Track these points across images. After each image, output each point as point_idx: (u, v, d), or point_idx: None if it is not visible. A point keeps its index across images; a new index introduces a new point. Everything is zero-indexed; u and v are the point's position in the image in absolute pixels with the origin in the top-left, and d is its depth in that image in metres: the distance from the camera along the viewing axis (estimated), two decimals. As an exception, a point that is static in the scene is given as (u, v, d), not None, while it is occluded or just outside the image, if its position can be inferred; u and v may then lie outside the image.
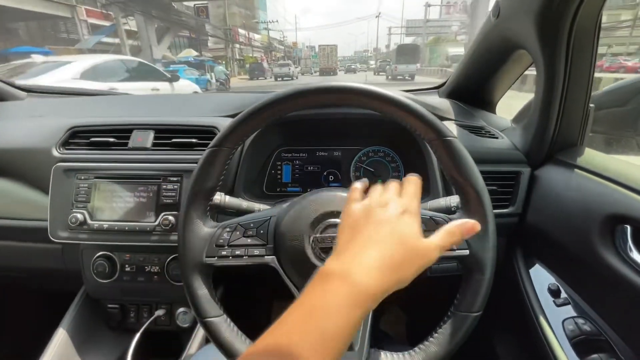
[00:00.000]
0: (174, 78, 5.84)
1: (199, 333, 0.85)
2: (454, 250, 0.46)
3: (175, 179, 0.77)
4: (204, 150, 0.52)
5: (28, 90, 1.20)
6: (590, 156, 0.67)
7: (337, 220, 0.50)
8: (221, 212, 0.76)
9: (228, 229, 0.52)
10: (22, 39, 17.42)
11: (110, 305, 0.90)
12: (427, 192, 0.78)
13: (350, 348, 0.46)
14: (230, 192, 0.81)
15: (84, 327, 0.89)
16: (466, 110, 0.98)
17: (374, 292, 0.35)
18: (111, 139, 0.82)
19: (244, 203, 0.62)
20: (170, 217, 0.75)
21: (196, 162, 0.52)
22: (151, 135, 0.82)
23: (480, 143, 0.81)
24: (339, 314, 0.33)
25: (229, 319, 0.50)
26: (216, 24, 30.80)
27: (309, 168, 0.96)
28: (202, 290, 0.50)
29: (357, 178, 0.95)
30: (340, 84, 0.49)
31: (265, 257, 0.51)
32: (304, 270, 0.49)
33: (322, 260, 0.49)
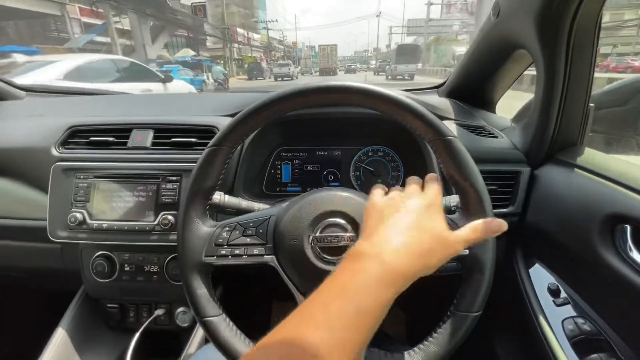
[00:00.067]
0: (167, 79, 5.60)
1: (199, 332, 0.85)
2: None
3: (174, 178, 0.77)
4: (204, 149, 0.52)
5: (27, 89, 1.20)
6: (590, 156, 0.67)
7: (337, 219, 0.50)
8: (221, 212, 0.76)
9: (227, 229, 0.52)
10: (11, 37, 17.03)
11: (109, 305, 0.90)
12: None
13: None
14: (230, 192, 0.81)
15: (84, 327, 0.88)
16: (466, 110, 0.98)
17: (404, 273, 0.35)
18: (110, 139, 0.82)
19: (243, 202, 0.61)
20: (170, 217, 0.75)
21: (196, 162, 0.52)
22: (150, 134, 0.82)
23: (480, 143, 0.81)
24: (370, 292, 0.33)
25: (228, 319, 0.50)
26: (214, 23, 30.40)
27: (308, 167, 0.96)
28: (201, 290, 0.50)
29: (357, 178, 0.95)
30: (339, 84, 0.49)
31: (265, 256, 0.51)
32: (304, 270, 0.49)
33: (322, 259, 0.48)
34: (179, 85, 6.32)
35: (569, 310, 0.62)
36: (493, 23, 0.79)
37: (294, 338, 0.31)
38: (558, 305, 0.64)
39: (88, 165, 0.79)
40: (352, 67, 49.67)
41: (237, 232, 0.52)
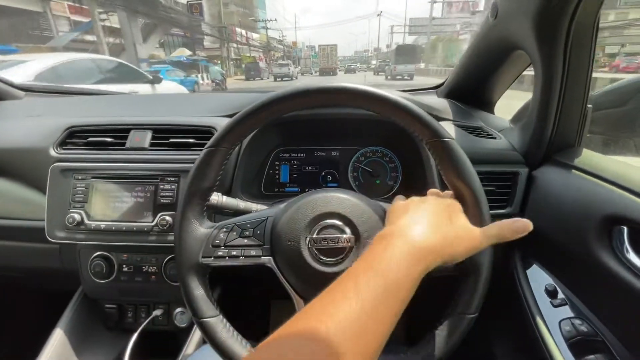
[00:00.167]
0: (155, 80, 5.21)
1: (197, 333, 0.85)
2: None
3: (172, 179, 0.77)
4: (202, 150, 0.52)
5: (26, 89, 1.20)
6: (588, 157, 0.67)
7: (334, 221, 0.50)
8: (218, 213, 0.76)
9: (225, 230, 0.52)
10: (-9, 36, 15.90)
11: (107, 305, 0.90)
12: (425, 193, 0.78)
13: None
14: (228, 192, 0.81)
15: (82, 327, 0.88)
16: (464, 111, 0.98)
17: (433, 249, 0.37)
18: (109, 139, 0.82)
19: (241, 203, 0.61)
20: (168, 218, 0.75)
21: (194, 162, 0.52)
22: (149, 135, 0.82)
23: (478, 143, 0.81)
24: (400, 266, 0.34)
25: (225, 320, 0.50)
26: (212, 22, 29.75)
27: (307, 168, 0.96)
28: (198, 291, 0.50)
29: (355, 178, 0.95)
30: (337, 85, 0.49)
31: (262, 257, 0.51)
32: (300, 271, 0.49)
33: (318, 261, 0.48)
34: (169, 87, 5.89)
35: (566, 311, 0.62)
36: (491, 24, 0.79)
37: (325, 311, 0.31)
38: (555, 307, 0.64)
39: (86, 165, 0.78)
40: (352, 67, 49.75)
41: (235, 233, 0.52)
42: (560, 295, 0.65)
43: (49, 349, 0.80)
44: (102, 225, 0.76)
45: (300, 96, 0.49)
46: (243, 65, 31.15)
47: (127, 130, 0.83)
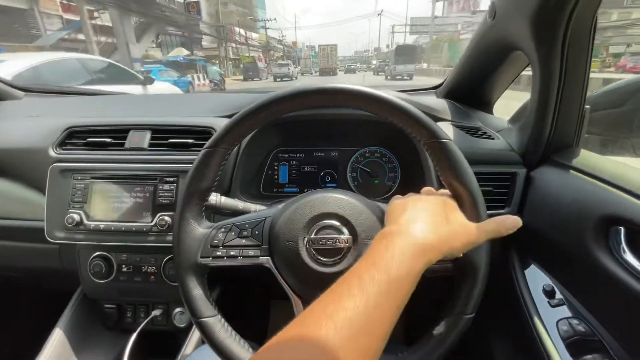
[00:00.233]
0: (147, 80, 5.00)
1: (196, 333, 0.85)
2: None
3: (171, 179, 0.77)
4: (201, 150, 0.52)
5: (26, 89, 1.20)
6: (586, 157, 0.68)
7: (332, 221, 0.50)
8: (217, 213, 0.76)
9: (223, 230, 0.52)
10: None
11: (107, 305, 0.90)
12: None
13: None
14: (227, 193, 0.81)
15: (81, 327, 0.89)
16: (463, 111, 0.98)
17: (434, 245, 0.38)
18: (108, 139, 0.82)
19: (239, 204, 0.62)
20: (167, 218, 0.75)
21: (193, 163, 0.52)
22: (148, 135, 0.82)
23: (476, 144, 0.81)
24: (401, 263, 0.35)
25: (223, 319, 0.50)
26: (211, 21, 29.10)
27: (305, 168, 0.96)
28: (196, 291, 0.50)
29: (354, 179, 0.95)
30: (335, 86, 0.49)
31: (260, 257, 0.51)
32: (298, 272, 0.49)
33: (316, 261, 0.49)
34: (162, 88, 5.64)
35: (563, 311, 0.63)
36: (489, 25, 0.79)
37: (326, 312, 0.32)
38: (553, 307, 0.64)
39: (85, 166, 0.79)
40: (352, 67, 49.77)
41: (233, 233, 0.52)
42: (558, 295, 0.65)
43: (49, 349, 0.81)
44: (102, 225, 0.76)
45: (298, 97, 0.49)
46: (241, 65, 30.60)
47: (126, 131, 0.83)
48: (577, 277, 0.62)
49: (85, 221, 0.76)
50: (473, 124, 0.91)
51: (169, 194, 0.76)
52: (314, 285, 0.48)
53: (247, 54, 39.05)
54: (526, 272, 0.73)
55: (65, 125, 0.84)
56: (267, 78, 27.33)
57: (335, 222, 0.50)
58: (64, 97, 1.27)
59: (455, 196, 0.48)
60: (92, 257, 0.83)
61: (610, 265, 0.53)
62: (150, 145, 0.82)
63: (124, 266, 0.84)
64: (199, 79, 15.56)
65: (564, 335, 0.59)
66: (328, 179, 0.95)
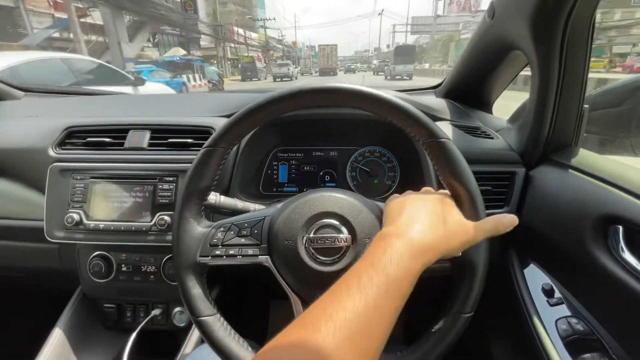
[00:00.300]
0: (137, 81, 4.81)
1: (195, 332, 0.85)
2: None
3: (171, 179, 0.77)
4: (200, 150, 0.52)
5: (26, 89, 1.20)
6: (584, 157, 0.68)
7: (331, 220, 0.50)
8: (216, 212, 0.76)
9: (222, 229, 0.52)
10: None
11: (106, 305, 0.91)
12: None
13: None
14: (226, 192, 0.81)
15: (81, 327, 0.89)
16: (462, 111, 0.98)
17: (431, 246, 0.38)
18: (107, 139, 0.82)
19: (239, 203, 0.62)
20: (166, 217, 0.75)
21: (192, 162, 0.52)
22: (147, 135, 0.82)
23: (475, 143, 0.81)
24: (400, 264, 0.36)
25: (222, 318, 0.50)
26: (209, 20, 28.50)
27: (305, 168, 0.96)
28: (195, 290, 0.50)
29: (353, 178, 0.95)
30: (334, 85, 0.49)
31: (259, 257, 0.51)
32: (297, 270, 0.49)
33: (315, 260, 0.49)
34: (154, 89, 5.46)
35: (562, 310, 0.63)
36: (488, 24, 0.79)
37: (326, 313, 0.32)
38: (552, 305, 0.64)
39: (85, 166, 0.79)
40: (352, 67, 49.82)
41: (232, 232, 0.52)
42: (557, 294, 0.65)
43: (48, 348, 0.81)
44: (101, 225, 0.76)
45: (297, 96, 0.50)
46: (240, 65, 29.96)
47: (126, 131, 0.83)
48: (576, 276, 0.63)
49: (85, 221, 0.76)
50: (472, 123, 0.91)
51: (169, 194, 0.77)
52: (313, 284, 0.48)
53: (246, 54, 38.65)
54: (525, 271, 0.73)
55: (65, 125, 0.84)
56: (265, 78, 26.97)
57: (334, 222, 0.50)
58: (63, 97, 1.27)
59: (454, 195, 0.48)
60: (91, 256, 0.83)
61: (608, 264, 0.53)
62: (150, 145, 0.82)
63: (123, 266, 0.84)
64: (194, 80, 14.96)
65: (563, 334, 0.59)
66: (327, 178, 0.95)
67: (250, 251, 0.51)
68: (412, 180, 0.88)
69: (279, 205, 0.55)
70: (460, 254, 0.46)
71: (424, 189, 0.53)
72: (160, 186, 0.77)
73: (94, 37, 15.73)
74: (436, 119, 0.91)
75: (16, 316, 1.16)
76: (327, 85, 0.49)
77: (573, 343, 0.58)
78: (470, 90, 1.03)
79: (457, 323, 0.45)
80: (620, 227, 0.54)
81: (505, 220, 0.43)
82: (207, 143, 0.51)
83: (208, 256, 0.50)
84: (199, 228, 0.52)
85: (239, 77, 27.02)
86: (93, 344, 0.89)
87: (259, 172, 0.95)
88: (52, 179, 0.78)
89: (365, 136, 0.95)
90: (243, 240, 0.51)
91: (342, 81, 0.51)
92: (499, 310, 0.82)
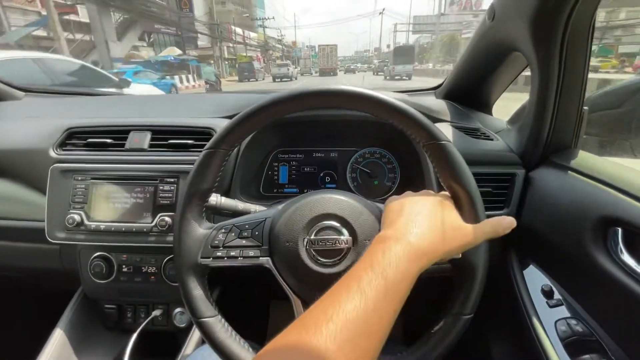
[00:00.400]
0: (122, 83, 4.59)
1: (196, 333, 0.85)
2: None
3: (172, 180, 0.77)
4: (201, 151, 0.52)
5: (26, 90, 1.20)
6: (584, 158, 0.68)
7: (331, 222, 0.50)
8: (217, 214, 0.76)
9: (223, 230, 0.52)
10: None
11: (107, 306, 0.91)
12: None
13: None
14: (227, 193, 0.82)
15: (82, 327, 0.89)
16: (462, 112, 0.98)
17: (428, 251, 0.39)
18: (108, 140, 0.83)
19: (239, 204, 0.62)
20: (167, 218, 0.75)
21: (193, 163, 0.52)
22: (148, 136, 0.83)
23: (475, 145, 0.82)
24: (398, 267, 0.36)
25: (223, 320, 0.50)
26: (206, 19, 27.75)
27: (305, 169, 0.96)
28: (197, 291, 0.50)
29: (354, 179, 0.95)
30: (335, 87, 0.49)
31: (260, 258, 0.51)
32: (298, 272, 0.50)
33: (316, 262, 0.49)
34: (141, 92, 5.17)
35: (562, 312, 0.63)
36: (488, 26, 0.79)
37: (326, 315, 0.33)
38: (551, 307, 0.64)
39: (86, 166, 0.79)
40: (352, 67, 49.82)
41: (233, 234, 0.52)
42: (557, 295, 0.66)
43: (49, 349, 0.81)
44: (102, 226, 0.76)
45: (299, 98, 0.50)
46: (237, 65, 29.28)
47: (127, 132, 0.84)
48: (576, 278, 0.63)
49: (86, 222, 0.76)
50: (472, 124, 0.91)
51: (169, 195, 0.77)
52: (314, 285, 0.48)
53: (245, 54, 38.13)
54: (525, 272, 0.73)
55: (66, 126, 0.84)
56: (263, 79, 26.32)
57: (335, 223, 0.50)
58: (64, 97, 1.27)
59: (454, 197, 0.49)
60: (92, 257, 0.83)
61: (608, 265, 0.53)
62: (151, 146, 0.82)
63: (124, 266, 0.84)
64: (187, 81, 14.23)
65: (562, 335, 0.60)
66: (328, 179, 0.96)
67: (251, 253, 0.51)
68: (412, 182, 0.89)
69: (280, 207, 0.55)
70: (460, 255, 0.46)
71: (424, 190, 0.53)
72: (161, 187, 0.77)
73: (79, 36, 14.91)
74: (436, 120, 0.91)
75: (17, 316, 1.16)
76: (328, 88, 0.49)
77: (572, 344, 0.58)
78: (470, 91, 1.03)
79: (457, 324, 0.45)
80: (619, 229, 0.54)
81: (504, 223, 0.44)
82: (208, 145, 0.51)
83: (209, 257, 0.51)
84: (200, 229, 0.52)
85: (237, 78, 26.42)
86: (94, 344, 0.90)
87: (260, 173, 0.95)
88: (53, 180, 0.78)
89: (366, 137, 0.95)
90: (244, 241, 0.52)
91: (342, 81, 0.51)
92: (498, 312, 0.82)
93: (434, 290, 0.76)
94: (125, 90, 4.35)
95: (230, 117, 0.85)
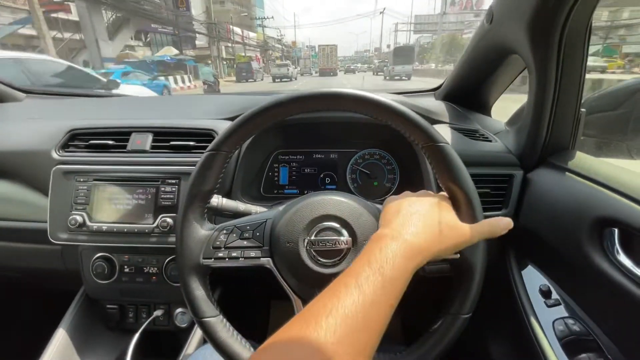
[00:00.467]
0: (110, 84, 4.44)
1: (197, 333, 0.86)
2: None
3: (173, 181, 0.78)
4: (202, 152, 0.53)
5: (27, 91, 1.21)
6: (581, 160, 0.69)
7: (331, 223, 0.51)
8: (218, 215, 0.77)
9: (225, 231, 0.53)
10: None
11: (109, 306, 0.91)
12: None
13: None
14: (228, 194, 0.82)
15: (84, 328, 0.89)
16: (461, 113, 0.99)
17: (424, 249, 0.40)
18: (110, 142, 0.83)
19: (240, 205, 0.62)
20: (169, 219, 0.76)
21: (194, 165, 0.53)
22: (150, 137, 0.83)
23: (474, 146, 0.82)
24: (395, 264, 0.37)
25: (225, 319, 0.51)
26: (204, 19, 27.09)
27: (305, 170, 0.97)
28: (199, 291, 0.51)
29: (353, 180, 0.96)
30: (336, 90, 0.50)
31: (261, 259, 0.52)
32: (299, 272, 0.50)
33: (317, 262, 0.50)
34: (132, 93, 4.87)
35: (559, 311, 0.64)
36: (486, 29, 0.80)
37: (326, 310, 0.34)
38: (549, 307, 0.65)
39: (88, 168, 0.80)
40: (352, 67, 49.82)
41: (235, 235, 0.53)
42: (554, 295, 0.66)
43: (52, 349, 0.81)
44: (104, 226, 0.77)
45: (299, 101, 0.50)
46: (235, 66, 28.65)
47: (128, 133, 0.84)
48: (573, 278, 0.63)
49: (88, 222, 0.77)
50: (471, 126, 0.92)
51: (171, 196, 0.77)
52: (314, 285, 0.49)
53: (243, 54, 37.61)
54: (523, 272, 0.74)
55: (68, 128, 0.85)
56: (262, 79, 25.71)
57: (335, 224, 0.51)
58: (65, 98, 1.28)
59: (452, 198, 0.49)
60: (94, 258, 0.84)
61: (604, 266, 0.54)
62: (152, 147, 0.83)
63: (126, 267, 0.85)
64: (183, 81, 13.58)
65: (560, 334, 0.60)
66: (328, 180, 0.96)
67: (252, 253, 0.52)
68: (411, 182, 0.89)
69: (281, 208, 0.56)
70: (459, 255, 0.47)
71: (422, 191, 0.54)
72: (163, 188, 0.78)
73: (67, 35, 14.22)
74: (435, 121, 0.92)
75: (19, 317, 1.17)
76: (328, 91, 0.50)
77: (570, 343, 0.59)
78: (469, 93, 1.03)
79: (456, 324, 0.46)
80: (616, 230, 0.55)
81: (502, 223, 0.45)
82: (210, 147, 0.52)
83: (211, 258, 0.51)
84: (202, 230, 0.53)
85: (234, 78, 25.90)
86: (95, 344, 0.90)
87: (260, 174, 0.96)
88: (56, 181, 0.79)
89: (365, 139, 0.96)
90: (245, 242, 0.52)
91: (342, 82, 0.52)
92: (497, 311, 0.82)
93: (432, 290, 0.77)
94: (114, 92, 4.04)
95: (231, 118, 0.86)
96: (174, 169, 0.79)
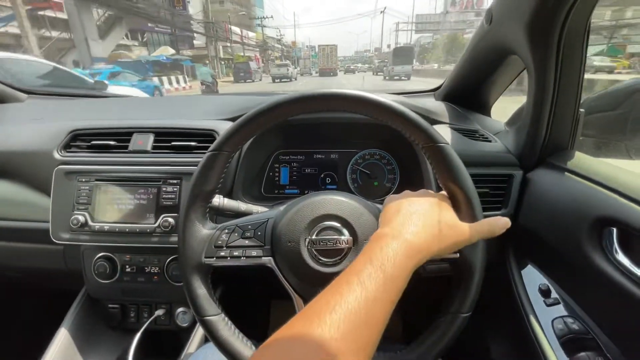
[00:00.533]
0: (97, 86, 4.27)
1: (198, 332, 0.87)
2: None
3: (174, 181, 0.78)
4: (203, 153, 0.53)
5: (28, 92, 1.21)
6: (580, 160, 0.69)
7: (332, 223, 0.51)
8: (220, 214, 0.77)
9: (226, 231, 0.53)
10: None
11: (110, 305, 0.92)
12: None
13: None
14: (229, 194, 0.83)
15: (85, 327, 0.90)
16: (461, 114, 1.00)
17: (423, 248, 0.41)
18: (112, 142, 0.84)
19: (242, 205, 0.63)
20: (170, 219, 0.76)
21: (195, 165, 0.53)
22: (151, 138, 0.84)
23: (473, 146, 0.83)
24: (395, 262, 0.38)
25: (227, 318, 0.51)
26: (202, 18, 26.66)
27: (306, 170, 0.97)
28: (201, 290, 0.51)
29: (354, 180, 0.96)
30: (336, 91, 0.50)
31: (263, 258, 0.52)
32: (300, 272, 0.51)
33: (318, 261, 0.50)
34: (125, 93, 4.52)
35: (559, 310, 0.64)
36: (486, 30, 0.80)
37: (329, 306, 0.34)
38: (548, 306, 0.65)
39: (90, 168, 0.80)
40: (351, 67, 49.82)
41: (236, 234, 0.53)
42: (554, 294, 0.67)
43: (54, 349, 0.82)
44: (106, 226, 0.77)
45: (300, 101, 0.51)
46: (233, 66, 27.85)
47: (130, 134, 0.85)
48: (572, 277, 0.64)
49: (90, 222, 0.77)
50: (471, 126, 0.92)
51: (172, 196, 0.78)
52: (315, 284, 0.49)
53: (242, 54, 37.07)
54: (523, 271, 0.74)
55: (70, 128, 0.85)
56: (261, 79, 25.15)
57: (336, 224, 0.51)
58: (66, 99, 1.28)
59: (452, 198, 0.50)
60: (96, 257, 0.84)
61: (603, 265, 0.54)
62: (154, 147, 0.83)
63: (127, 267, 0.85)
64: (177, 82, 13.06)
65: (559, 333, 0.61)
66: (328, 180, 0.97)
67: (254, 252, 0.52)
68: (411, 182, 0.90)
69: (282, 208, 0.56)
70: (459, 255, 0.47)
71: (422, 190, 0.54)
72: (164, 188, 0.78)
73: (55, 34, 13.62)
74: (435, 122, 0.92)
75: (21, 316, 1.17)
76: (329, 91, 0.51)
77: (569, 342, 0.59)
78: (468, 93, 1.04)
79: (456, 323, 0.46)
80: (615, 229, 0.55)
81: (500, 223, 0.45)
82: (212, 147, 0.52)
83: (213, 257, 0.52)
84: (204, 230, 0.53)
85: (232, 78, 25.08)
86: (97, 344, 0.91)
87: (261, 174, 0.96)
88: (58, 182, 0.79)
89: (366, 139, 0.96)
90: (247, 242, 0.53)
91: (342, 82, 0.52)
92: (497, 310, 0.83)
93: (432, 290, 0.77)
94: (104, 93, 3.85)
95: (232, 119, 0.86)
96: (175, 169, 0.79)
